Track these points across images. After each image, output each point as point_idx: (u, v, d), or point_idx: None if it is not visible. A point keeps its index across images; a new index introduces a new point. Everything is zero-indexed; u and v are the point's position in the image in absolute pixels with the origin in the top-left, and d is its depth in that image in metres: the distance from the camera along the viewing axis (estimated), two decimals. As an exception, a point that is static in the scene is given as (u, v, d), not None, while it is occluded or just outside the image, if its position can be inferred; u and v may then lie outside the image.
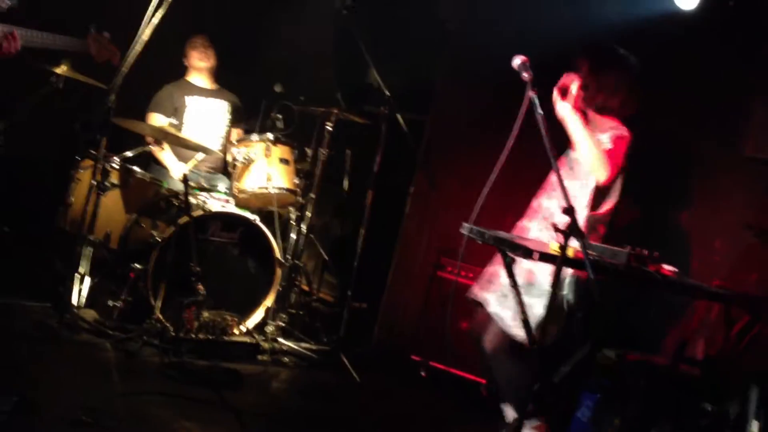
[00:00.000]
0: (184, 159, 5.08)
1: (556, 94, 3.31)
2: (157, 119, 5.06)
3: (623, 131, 3.37)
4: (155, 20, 4.07)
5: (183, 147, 4.85)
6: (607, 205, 3.37)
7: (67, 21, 3.94)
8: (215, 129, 5.23)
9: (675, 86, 4.27)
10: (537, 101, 2.90)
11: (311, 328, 4.81)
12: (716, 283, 3.33)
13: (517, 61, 3.03)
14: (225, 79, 5.40)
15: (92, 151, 4.38)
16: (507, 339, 3.32)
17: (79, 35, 3.91)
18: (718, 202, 4.14)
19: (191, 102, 5.17)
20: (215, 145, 5.12)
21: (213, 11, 5.53)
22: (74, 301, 4.13)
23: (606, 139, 3.33)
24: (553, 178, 3.43)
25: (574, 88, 3.29)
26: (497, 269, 3.46)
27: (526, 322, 3.04)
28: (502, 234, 3.13)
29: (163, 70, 5.21)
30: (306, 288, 5.13)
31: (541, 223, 3.45)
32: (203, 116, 5.21)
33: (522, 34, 4.44)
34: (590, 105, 3.44)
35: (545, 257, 2.79)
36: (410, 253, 5.09)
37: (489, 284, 3.48)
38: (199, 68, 5.26)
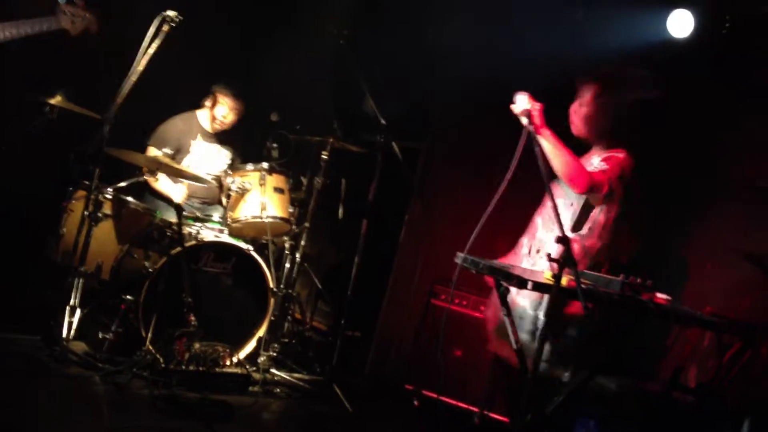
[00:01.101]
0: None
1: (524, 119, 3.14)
2: (156, 154, 5.02)
3: (619, 152, 3.33)
4: (151, 50, 4.10)
5: (177, 177, 4.85)
6: (589, 224, 3.30)
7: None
8: (212, 171, 5.20)
9: (668, 111, 4.28)
10: (534, 134, 2.96)
11: (304, 358, 4.77)
12: (708, 310, 3.30)
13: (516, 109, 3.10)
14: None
15: (85, 182, 4.37)
16: None
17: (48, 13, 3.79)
18: (710, 228, 4.13)
19: (195, 146, 5.15)
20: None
21: (208, 39, 5.55)
22: (64, 333, 4.09)
23: (597, 161, 3.30)
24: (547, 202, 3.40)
25: (536, 112, 3.18)
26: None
27: (520, 351, 3.02)
28: (497, 263, 3.11)
29: (159, 100, 5.21)
30: (299, 317, 5.10)
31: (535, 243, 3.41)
32: (203, 160, 5.19)
33: (516, 62, 4.45)
34: (593, 132, 3.41)
35: (539, 287, 2.77)
36: (404, 281, 5.07)
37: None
38: (213, 124, 5.23)
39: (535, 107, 3.07)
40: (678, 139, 4.26)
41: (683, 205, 4.30)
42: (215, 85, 5.20)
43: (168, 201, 4.96)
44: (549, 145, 3.11)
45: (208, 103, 5.23)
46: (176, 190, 5.03)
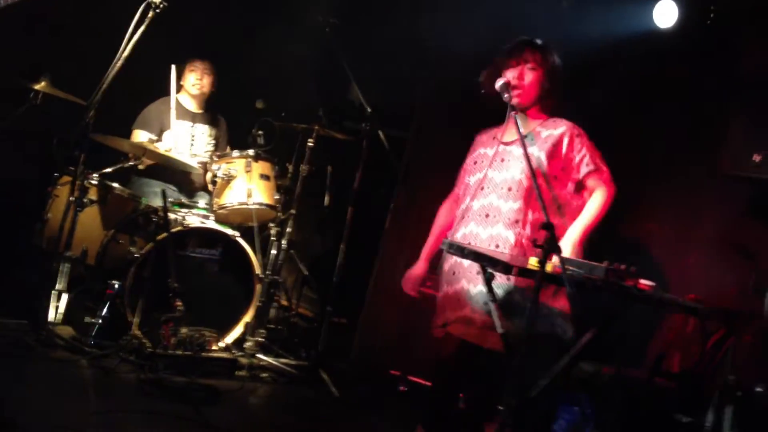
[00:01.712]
0: (162, 177, 5.07)
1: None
2: (141, 136, 5.02)
3: (574, 128, 3.35)
4: (136, 36, 4.09)
5: (162, 164, 4.84)
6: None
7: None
8: (197, 153, 5.21)
9: (652, 102, 4.33)
10: (519, 120, 3.03)
11: (290, 343, 4.80)
12: (692, 297, 3.36)
13: (499, 82, 3.20)
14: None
15: (70, 168, 4.36)
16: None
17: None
18: (694, 216, 4.19)
19: (177, 125, 5.14)
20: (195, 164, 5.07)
21: (193, 27, 5.53)
22: (51, 317, 4.09)
23: (588, 161, 3.33)
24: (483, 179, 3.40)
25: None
26: (462, 287, 3.36)
27: (505, 335, 3.06)
28: (482, 249, 3.14)
29: (144, 86, 5.20)
30: (285, 303, 5.12)
31: (490, 222, 3.33)
32: (186, 140, 5.18)
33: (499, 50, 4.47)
34: (538, 100, 3.38)
35: (525, 272, 2.80)
36: (390, 268, 5.09)
37: (458, 305, 3.34)
38: (192, 93, 5.24)
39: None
40: (662, 128, 4.31)
41: (668, 194, 4.35)
42: (179, 65, 5.22)
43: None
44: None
45: (182, 81, 5.25)
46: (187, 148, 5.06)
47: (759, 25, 4.01)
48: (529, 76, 3.32)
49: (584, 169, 3.31)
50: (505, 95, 3.25)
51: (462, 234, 3.40)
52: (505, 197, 3.31)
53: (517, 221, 3.27)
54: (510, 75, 3.34)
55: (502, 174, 3.34)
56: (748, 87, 4.05)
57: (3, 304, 4.16)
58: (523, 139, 3.07)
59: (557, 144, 3.33)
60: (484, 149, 3.47)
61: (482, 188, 3.36)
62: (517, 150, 3.32)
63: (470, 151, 3.57)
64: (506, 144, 3.38)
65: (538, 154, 3.30)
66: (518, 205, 3.27)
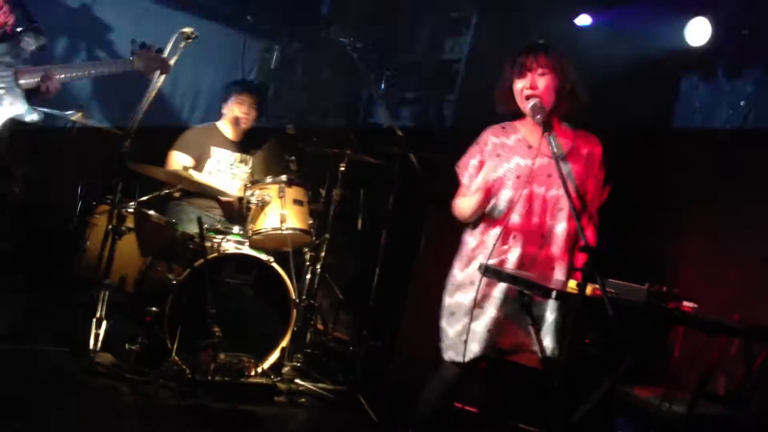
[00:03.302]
0: (199, 206, 5.12)
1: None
2: (178, 158, 5.07)
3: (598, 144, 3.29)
4: (171, 63, 4.17)
5: (197, 190, 4.89)
6: None
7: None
8: (234, 182, 5.24)
9: (690, 118, 4.30)
10: (552, 141, 2.95)
11: (328, 368, 4.80)
12: (736, 317, 3.30)
13: (530, 104, 3.12)
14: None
15: (108, 196, 4.42)
16: None
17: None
18: (737, 233, 4.13)
19: (216, 153, 5.19)
20: (232, 191, 5.10)
21: (225, 53, 5.61)
22: (91, 345, 4.13)
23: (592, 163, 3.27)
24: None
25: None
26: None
27: (546, 360, 3.04)
28: (519, 273, 3.13)
29: (178, 114, 5.28)
30: (321, 327, 5.13)
31: (545, 242, 3.21)
32: (225, 168, 5.23)
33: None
34: (558, 105, 3.20)
35: (563, 296, 2.78)
36: (425, 290, 5.06)
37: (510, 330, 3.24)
38: (236, 124, 5.29)
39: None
40: (700, 144, 4.27)
41: (708, 212, 4.30)
42: (225, 95, 5.31)
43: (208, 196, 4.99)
44: None
45: (225, 110, 5.29)
46: (226, 183, 5.06)
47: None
48: (542, 82, 3.15)
49: (597, 198, 3.30)
50: (537, 117, 3.08)
51: (517, 255, 3.19)
52: (557, 217, 3.20)
53: (569, 244, 3.21)
54: (521, 86, 3.19)
55: (551, 192, 3.20)
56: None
57: (44, 332, 4.22)
58: (558, 162, 2.92)
59: (594, 162, 3.28)
60: (522, 160, 3.20)
61: (530, 205, 3.20)
62: (565, 167, 3.18)
63: (485, 150, 3.33)
64: (551, 157, 3.13)
65: (578, 169, 3.22)
66: (569, 225, 3.18)
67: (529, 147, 3.22)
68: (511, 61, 3.25)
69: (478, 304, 3.19)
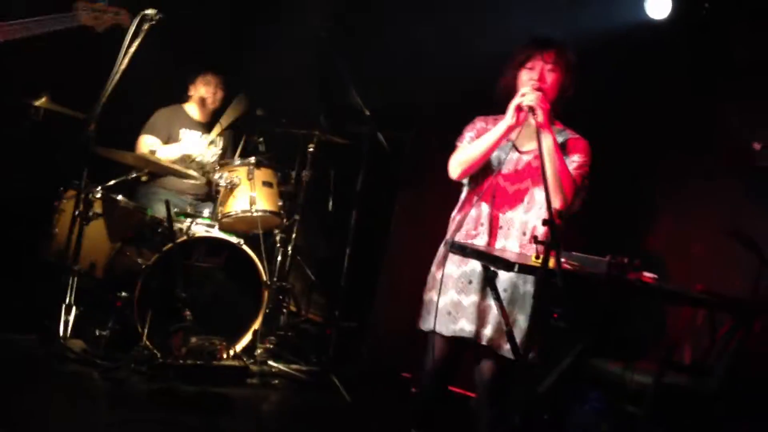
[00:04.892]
0: (168, 186, 5.09)
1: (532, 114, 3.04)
2: (148, 141, 5.03)
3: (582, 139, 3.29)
4: (132, 48, 4.11)
5: (165, 174, 4.87)
6: None
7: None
8: (205, 163, 5.21)
9: (649, 93, 4.33)
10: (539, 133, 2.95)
11: (301, 350, 4.81)
12: (699, 288, 3.34)
13: (526, 104, 3.06)
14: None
15: (75, 182, 4.39)
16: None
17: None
18: (697, 208, 4.19)
19: (185, 135, 5.16)
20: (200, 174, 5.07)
21: (192, 34, 5.55)
22: (61, 331, 4.11)
23: (577, 158, 3.29)
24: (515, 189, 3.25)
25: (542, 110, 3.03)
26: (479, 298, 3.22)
27: (510, 333, 3.05)
28: (482, 248, 3.15)
29: (144, 97, 5.22)
30: (294, 309, 5.14)
31: (520, 239, 3.22)
32: (194, 148, 5.19)
33: (498, 46, 4.47)
34: (553, 102, 3.15)
35: (525, 269, 2.80)
36: (397, 270, 5.11)
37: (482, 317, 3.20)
38: (203, 105, 5.25)
39: (542, 106, 3.02)
40: (658, 120, 4.30)
41: (668, 187, 4.35)
42: (191, 75, 5.27)
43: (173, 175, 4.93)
44: (548, 148, 3.02)
45: (191, 92, 5.26)
46: (190, 144, 5.02)
47: (751, 13, 4.00)
48: (550, 78, 3.16)
49: (582, 170, 3.28)
50: (532, 114, 3.04)
51: (484, 242, 3.22)
52: (517, 209, 3.22)
53: (524, 233, 3.23)
54: (528, 77, 3.17)
55: (514, 185, 3.23)
56: (744, 76, 4.04)
57: (13, 320, 4.19)
58: (542, 156, 2.85)
59: (567, 149, 3.28)
60: (496, 150, 3.23)
61: (494, 197, 3.23)
62: (535, 162, 3.20)
63: (474, 129, 3.34)
64: (522, 153, 3.24)
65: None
66: (527, 218, 3.21)
67: (507, 140, 3.24)
68: (520, 50, 3.24)
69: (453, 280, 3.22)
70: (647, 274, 2.92)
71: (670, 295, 3.02)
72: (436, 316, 3.20)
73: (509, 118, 3.10)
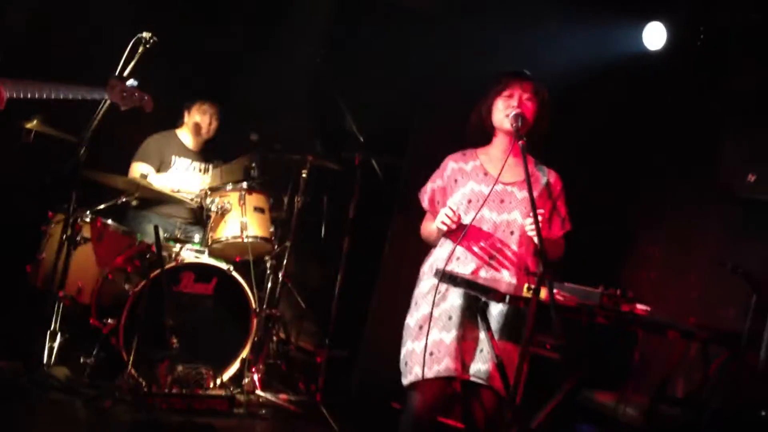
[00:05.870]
0: (158, 211, 5.04)
1: None
2: (140, 168, 4.98)
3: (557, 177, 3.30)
4: (127, 71, 4.09)
5: (156, 198, 4.83)
6: None
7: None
8: (195, 190, 5.16)
9: (644, 124, 4.31)
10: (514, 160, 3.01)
11: (290, 378, 4.74)
12: (692, 320, 3.30)
13: (513, 113, 3.09)
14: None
15: (64, 205, 4.34)
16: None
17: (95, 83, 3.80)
18: (691, 239, 4.15)
19: (177, 162, 5.13)
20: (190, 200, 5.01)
21: (187, 59, 5.54)
22: (45, 358, 4.05)
23: (567, 219, 3.28)
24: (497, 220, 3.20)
25: None
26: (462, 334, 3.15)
27: (500, 365, 2.99)
28: (473, 278, 3.10)
29: (134, 122, 5.19)
30: (283, 337, 5.07)
31: (494, 265, 3.17)
32: (186, 178, 5.16)
33: (492, 75, 4.47)
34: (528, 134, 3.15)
35: (516, 300, 2.75)
36: (389, 298, 5.05)
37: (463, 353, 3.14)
38: (197, 133, 5.22)
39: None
40: (655, 150, 4.29)
41: (663, 217, 4.32)
42: (187, 102, 5.22)
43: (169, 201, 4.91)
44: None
45: (186, 119, 5.23)
46: (187, 183, 4.97)
47: (747, 44, 4.00)
48: (528, 106, 3.17)
49: (565, 227, 3.28)
50: (515, 125, 3.06)
51: (468, 274, 3.14)
52: (509, 241, 3.18)
53: (519, 267, 3.19)
54: (504, 104, 3.17)
55: (502, 216, 3.18)
56: (739, 107, 4.03)
57: (-2, 346, 4.13)
58: (529, 182, 2.87)
59: (551, 193, 3.26)
60: (477, 186, 3.22)
61: (480, 229, 3.17)
62: (519, 193, 3.19)
63: (444, 175, 3.33)
64: (506, 184, 3.19)
65: (535, 193, 3.17)
66: (521, 251, 3.18)
67: (485, 174, 3.23)
68: (497, 81, 3.25)
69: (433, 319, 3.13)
70: (640, 306, 2.88)
71: (662, 327, 2.97)
72: (423, 363, 3.06)
73: (437, 224, 3.14)
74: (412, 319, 3.22)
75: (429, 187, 3.39)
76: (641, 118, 4.30)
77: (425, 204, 3.40)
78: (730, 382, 3.28)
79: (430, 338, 3.09)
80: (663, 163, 4.28)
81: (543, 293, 2.69)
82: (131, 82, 3.93)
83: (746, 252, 3.80)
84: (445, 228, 3.12)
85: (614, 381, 3.76)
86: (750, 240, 3.89)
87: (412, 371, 3.11)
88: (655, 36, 4.24)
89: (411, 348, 3.15)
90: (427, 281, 3.25)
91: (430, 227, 3.32)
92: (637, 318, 2.84)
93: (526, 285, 2.86)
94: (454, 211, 3.10)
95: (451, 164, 3.33)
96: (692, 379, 3.68)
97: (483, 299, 3.02)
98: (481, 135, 3.31)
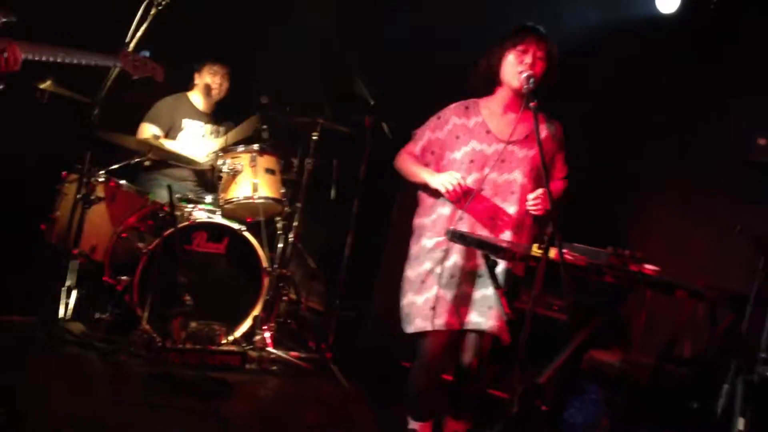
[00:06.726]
0: (172, 176, 5.09)
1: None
2: (150, 130, 5.03)
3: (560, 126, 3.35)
4: (139, 33, 4.11)
5: (168, 159, 4.86)
6: None
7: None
8: (206, 152, 5.18)
9: (654, 88, 4.31)
10: (537, 112, 2.99)
11: (300, 337, 4.81)
12: (701, 282, 3.34)
13: (525, 74, 3.11)
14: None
15: (78, 165, 4.39)
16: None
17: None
18: (700, 202, 4.18)
19: (188, 124, 5.15)
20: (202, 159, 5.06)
21: (198, 22, 5.54)
22: (61, 313, 4.12)
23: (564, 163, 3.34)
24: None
25: None
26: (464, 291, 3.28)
27: (510, 322, 3.07)
28: (484, 236, 3.14)
29: (149, 84, 5.21)
30: (294, 297, 5.14)
31: (497, 227, 3.25)
32: (197, 140, 5.19)
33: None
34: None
35: (527, 258, 2.81)
36: (397, 259, 5.08)
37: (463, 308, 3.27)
38: (207, 94, 5.25)
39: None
40: (666, 114, 4.29)
41: (673, 181, 4.34)
42: (197, 64, 5.24)
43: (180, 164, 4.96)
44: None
45: (197, 80, 5.25)
46: (197, 151, 5.00)
47: (760, 8, 3.98)
48: (539, 65, 3.18)
49: (564, 170, 3.34)
50: (526, 87, 3.07)
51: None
52: (509, 200, 3.24)
53: (519, 226, 3.24)
54: (517, 59, 3.18)
55: (503, 176, 3.24)
56: (751, 71, 4.03)
57: (14, 302, 4.18)
58: (540, 141, 2.92)
59: (553, 142, 3.31)
60: (479, 145, 3.25)
61: (482, 190, 3.23)
62: (520, 151, 3.24)
63: (445, 128, 3.34)
64: (507, 143, 3.23)
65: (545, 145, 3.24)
66: (520, 209, 3.23)
67: (487, 132, 3.24)
68: (514, 32, 3.24)
69: (430, 276, 3.25)
70: (649, 266, 2.92)
71: (672, 287, 3.01)
72: (432, 316, 3.23)
73: (437, 184, 3.18)
74: (413, 272, 3.32)
75: (426, 135, 3.39)
76: (652, 81, 4.30)
77: (416, 148, 3.41)
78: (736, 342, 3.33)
79: (432, 293, 3.23)
80: (673, 126, 4.29)
81: (552, 252, 2.74)
82: (144, 52, 3.99)
83: (755, 215, 3.82)
84: (446, 195, 3.15)
85: (620, 341, 3.81)
86: (759, 203, 3.92)
87: (413, 322, 3.27)
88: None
89: (412, 299, 3.30)
90: (430, 238, 3.30)
91: (417, 172, 3.33)
92: (646, 278, 2.88)
93: (536, 245, 2.91)
94: (461, 185, 3.13)
95: (453, 119, 3.34)
96: (699, 340, 3.73)
97: (492, 258, 3.07)
98: (485, 83, 3.33)
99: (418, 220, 3.41)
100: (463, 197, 3.17)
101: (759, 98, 4.03)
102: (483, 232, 3.23)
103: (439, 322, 3.20)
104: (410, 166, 3.39)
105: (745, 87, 4.10)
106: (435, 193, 3.29)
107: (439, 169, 3.30)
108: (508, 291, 3.16)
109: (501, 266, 3.19)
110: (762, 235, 3.41)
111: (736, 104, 4.09)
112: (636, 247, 2.93)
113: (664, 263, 3.03)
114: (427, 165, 3.34)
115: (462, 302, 3.23)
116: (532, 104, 3.03)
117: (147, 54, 3.99)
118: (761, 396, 3.15)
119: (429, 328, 3.21)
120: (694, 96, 4.25)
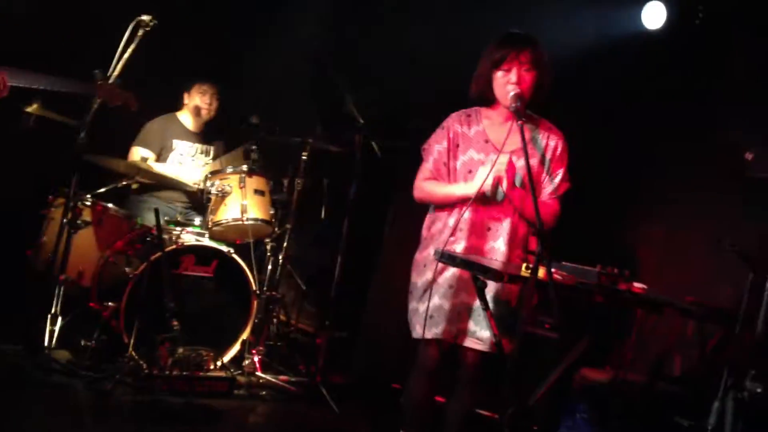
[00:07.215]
0: (161, 198, 5.05)
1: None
2: (141, 153, 4.98)
3: (566, 141, 3.30)
4: (126, 55, 4.09)
5: (156, 182, 4.83)
6: None
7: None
8: (196, 173, 5.13)
9: (643, 103, 4.30)
10: (523, 130, 2.94)
11: (290, 360, 4.77)
12: (689, 299, 3.30)
13: (512, 93, 3.08)
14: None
15: (64, 189, 4.35)
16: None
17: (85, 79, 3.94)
18: (690, 218, 4.15)
19: (178, 145, 5.13)
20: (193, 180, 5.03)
21: (189, 41, 5.53)
22: (46, 342, 4.07)
23: (565, 175, 3.30)
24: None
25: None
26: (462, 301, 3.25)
27: (499, 344, 3.03)
28: (473, 257, 3.11)
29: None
30: (284, 319, 5.09)
31: (492, 235, 3.24)
32: (187, 160, 5.16)
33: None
34: (530, 101, 3.18)
35: (515, 279, 2.77)
36: (389, 279, 5.05)
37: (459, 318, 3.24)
38: (197, 114, 5.22)
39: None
40: (655, 129, 4.28)
41: (662, 197, 4.32)
42: (186, 84, 5.23)
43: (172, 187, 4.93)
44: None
45: (186, 100, 5.23)
46: (188, 173, 4.97)
47: (746, 22, 3.98)
48: (526, 78, 3.13)
49: (564, 185, 3.29)
50: (513, 105, 3.05)
51: (463, 247, 3.24)
52: (504, 209, 3.21)
53: (513, 235, 3.21)
54: (503, 76, 3.14)
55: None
56: (738, 85, 4.02)
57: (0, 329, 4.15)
58: (527, 154, 2.88)
59: (551, 153, 3.28)
60: (476, 155, 3.25)
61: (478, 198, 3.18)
62: (517, 162, 3.17)
63: (449, 137, 3.32)
64: (502, 153, 3.17)
65: (533, 162, 3.22)
66: (515, 219, 3.20)
67: (486, 141, 3.23)
68: (494, 50, 3.19)
69: (433, 286, 3.24)
70: (638, 285, 2.89)
71: (660, 305, 2.98)
72: (424, 324, 3.22)
73: (475, 188, 3.11)
74: (420, 280, 3.34)
75: (435, 148, 3.36)
76: (640, 97, 4.29)
77: (429, 164, 3.37)
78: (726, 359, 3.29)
79: (431, 303, 3.23)
80: (661, 141, 4.27)
81: (541, 272, 2.70)
82: (115, 80, 4.03)
83: (744, 230, 3.80)
84: (497, 181, 3.10)
85: (610, 359, 3.77)
86: (747, 218, 3.89)
87: (414, 328, 3.32)
88: (654, 15, 4.22)
89: (416, 306, 3.33)
90: (434, 248, 3.29)
91: (448, 192, 3.27)
92: (635, 296, 2.84)
93: (524, 264, 2.88)
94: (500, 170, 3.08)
95: (456, 126, 3.33)
96: (689, 357, 3.69)
97: (481, 279, 3.04)
98: (485, 101, 3.31)
99: (428, 233, 3.41)
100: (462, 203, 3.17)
101: (746, 113, 4.02)
102: (479, 241, 3.23)
103: (436, 331, 3.22)
104: (435, 189, 3.34)
105: (733, 101, 4.09)
106: (446, 208, 3.29)
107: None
108: (503, 324, 3.11)
109: (492, 290, 3.16)
110: (750, 250, 3.39)
111: (724, 119, 4.08)
112: (624, 264, 2.89)
113: (653, 281, 3.01)
114: (444, 178, 3.32)
115: (461, 312, 3.22)
116: (519, 122, 3.00)
117: (119, 81, 4.05)
118: (751, 413, 3.11)
119: (425, 336, 3.23)
120: (682, 111, 4.24)
